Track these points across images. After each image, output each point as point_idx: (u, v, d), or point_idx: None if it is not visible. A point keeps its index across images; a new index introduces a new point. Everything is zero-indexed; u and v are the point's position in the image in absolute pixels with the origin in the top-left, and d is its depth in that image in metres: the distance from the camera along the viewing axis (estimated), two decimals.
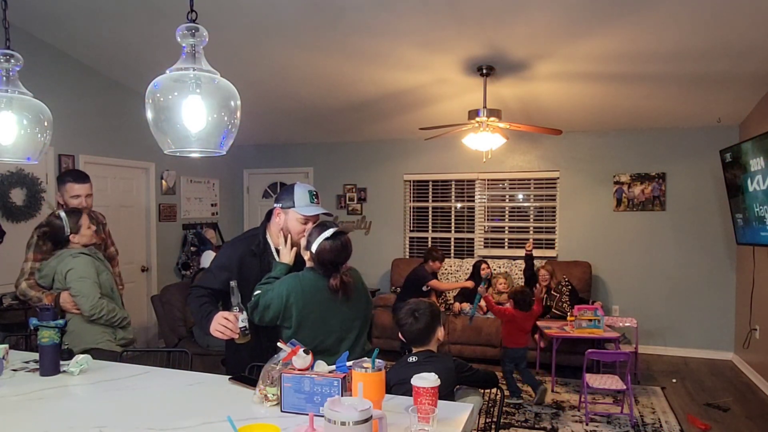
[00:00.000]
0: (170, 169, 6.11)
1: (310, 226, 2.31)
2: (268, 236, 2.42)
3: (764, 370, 4.87)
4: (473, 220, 6.75)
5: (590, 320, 4.78)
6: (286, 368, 1.71)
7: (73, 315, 2.74)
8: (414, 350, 2.20)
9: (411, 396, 1.63)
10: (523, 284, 5.75)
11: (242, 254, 2.35)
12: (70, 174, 3.21)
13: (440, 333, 2.21)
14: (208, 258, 5.74)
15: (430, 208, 6.93)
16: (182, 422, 1.64)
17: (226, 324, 2.11)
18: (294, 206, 2.29)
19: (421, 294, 5.38)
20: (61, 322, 2.13)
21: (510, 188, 6.65)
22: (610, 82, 4.73)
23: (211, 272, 2.38)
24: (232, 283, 2.13)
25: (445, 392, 1.93)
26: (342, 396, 1.59)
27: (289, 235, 2.33)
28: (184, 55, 1.62)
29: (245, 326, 2.12)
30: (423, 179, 6.89)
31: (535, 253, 6.42)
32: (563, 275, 5.74)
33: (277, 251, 2.38)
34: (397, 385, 1.98)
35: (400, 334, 2.25)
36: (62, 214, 2.81)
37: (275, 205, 2.38)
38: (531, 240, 5.99)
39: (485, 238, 6.71)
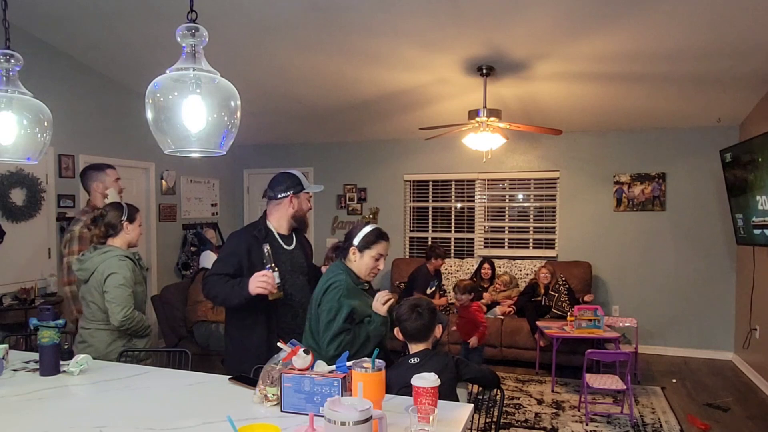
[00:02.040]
0: (170, 169, 6.11)
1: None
2: (269, 224, 2.65)
3: (764, 370, 4.87)
4: (473, 220, 6.75)
5: (590, 320, 4.78)
6: (286, 368, 1.71)
7: (91, 325, 2.65)
8: (411, 348, 2.18)
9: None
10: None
11: (247, 241, 2.56)
12: (101, 165, 3.51)
13: (438, 330, 2.22)
14: (207, 258, 5.72)
15: (430, 208, 6.93)
16: (182, 422, 1.64)
17: (266, 279, 2.35)
18: (304, 188, 2.64)
19: (425, 293, 5.40)
20: (61, 322, 2.13)
21: (510, 188, 6.64)
22: (610, 82, 4.73)
23: (221, 261, 2.58)
24: (266, 247, 2.41)
25: (447, 391, 1.92)
26: (342, 396, 1.59)
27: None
28: (184, 55, 1.62)
29: (279, 282, 2.41)
30: (423, 179, 6.89)
31: (535, 253, 6.45)
32: (561, 275, 5.74)
33: (288, 248, 2.65)
34: (404, 388, 1.91)
35: (397, 331, 2.22)
36: (123, 203, 2.84)
37: (284, 194, 2.60)
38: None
39: (485, 238, 6.71)
